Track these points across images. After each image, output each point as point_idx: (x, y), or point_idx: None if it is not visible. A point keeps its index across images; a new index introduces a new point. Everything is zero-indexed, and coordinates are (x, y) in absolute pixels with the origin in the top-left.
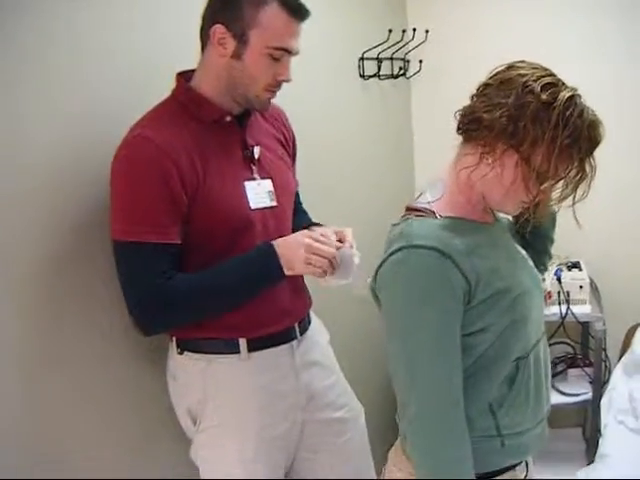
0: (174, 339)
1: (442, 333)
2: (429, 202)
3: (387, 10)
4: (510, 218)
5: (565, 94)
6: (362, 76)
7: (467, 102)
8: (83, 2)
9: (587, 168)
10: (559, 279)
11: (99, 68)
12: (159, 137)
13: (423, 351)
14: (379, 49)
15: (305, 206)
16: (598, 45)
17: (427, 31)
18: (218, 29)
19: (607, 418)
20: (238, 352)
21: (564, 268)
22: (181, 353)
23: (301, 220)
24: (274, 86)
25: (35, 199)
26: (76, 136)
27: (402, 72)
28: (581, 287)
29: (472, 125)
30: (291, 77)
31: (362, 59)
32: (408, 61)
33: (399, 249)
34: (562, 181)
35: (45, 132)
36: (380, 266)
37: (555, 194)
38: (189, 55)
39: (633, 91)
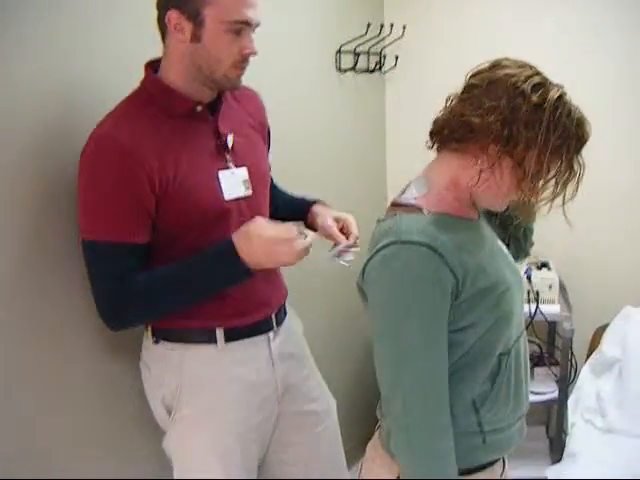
0: (149, 328)
1: (430, 329)
2: (415, 198)
3: (366, 4)
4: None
5: (554, 94)
6: (339, 69)
7: (441, 100)
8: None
9: (575, 166)
10: (529, 278)
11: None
12: (125, 135)
13: (411, 347)
14: (356, 42)
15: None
16: (590, 40)
17: (404, 27)
18: (172, 14)
19: (574, 417)
20: (215, 342)
21: (534, 267)
22: (156, 342)
23: (285, 200)
24: (241, 62)
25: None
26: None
27: (378, 67)
28: (550, 287)
29: (461, 130)
30: (256, 50)
31: (339, 52)
32: (385, 56)
33: (388, 244)
34: (553, 180)
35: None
36: (368, 261)
37: (545, 193)
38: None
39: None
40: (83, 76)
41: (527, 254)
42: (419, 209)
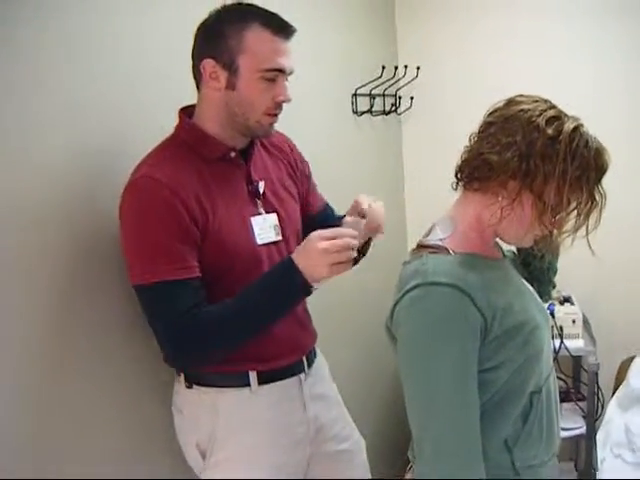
0: (182, 374)
1: (460, 371)
2: (440, 239)
3: (379, 47)
4: (514, 250)
5: (569, 125)
6: (355, 112)
7: (457, 139)
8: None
9: (597, 196)
10: (552, 313)
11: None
12: (165, 176)
13: (441, 389)
14: (372, 85)
15: None
16: (598, 75)
17: (418, 68)
18: (207, 63)
19: (604, 452)
20: (248, 385)
21: (556, 303)
22: (189, 387)
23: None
24: (274, 109)
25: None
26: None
27: (394, 108)
28: (574, 321)
29: (481, 169)
30: (290, 97)
31: (355, 95)
32: (400, 97)
33: (416, 286)
34: (575, 211)
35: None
36: (396, 304)
37: (569, 225)
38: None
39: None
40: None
41: (549, 296)
42: (445, 249)
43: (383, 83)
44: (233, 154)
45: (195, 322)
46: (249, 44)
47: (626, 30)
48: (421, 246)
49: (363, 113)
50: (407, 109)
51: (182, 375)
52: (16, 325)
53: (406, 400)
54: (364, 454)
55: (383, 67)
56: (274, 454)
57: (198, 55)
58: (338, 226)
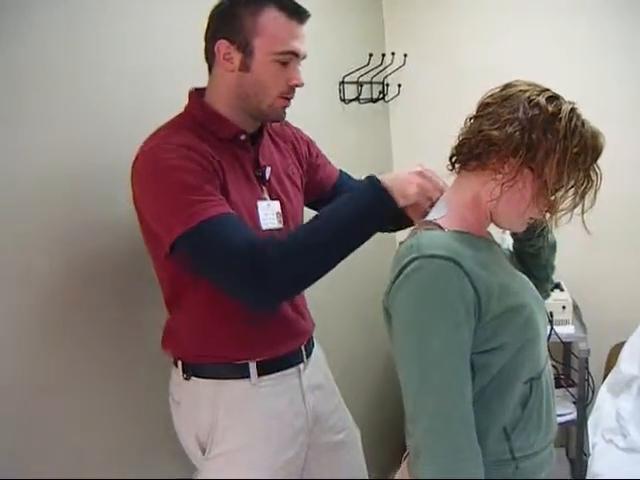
0: (180, 364)
1: (456, 345)
2: (435, 219)
3: (366, 35)
4: (510, 248)
5: (567, 106)
6: (342, 100)
7: (445, 125)
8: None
9: (593, 176)
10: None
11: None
12: (180, 141)
13: (436, 362)
14: (359, 73)
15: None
16: (587, 64)
17: (405, 55)
18: (221, 44)
19: (595, 438)
20: (248, 376)
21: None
22: (187, 379)
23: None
24: (287, 93)
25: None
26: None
27: (381, 96)
28: (564, 307)
29: (482, 145)
30: (302, 81)
31: (342, 83)
32: (387, 85)
33: (412, 260)
34: (571, 190)
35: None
36: (393, 282)
37: (564, 204)
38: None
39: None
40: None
41: (548, 294)
42: (439, 227)
43: (371, 70)
44: (243, 137)
45: (267, 242)
46: (264, 26)
47: (616, 25)
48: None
49: (351, 101)
50: (395, 96)
51: (180, 366)
52: (13, 320)
53: (400, 375)
54: (359, 444)
55: (370, 55)
56: (273, 445)
57: (212, 36)
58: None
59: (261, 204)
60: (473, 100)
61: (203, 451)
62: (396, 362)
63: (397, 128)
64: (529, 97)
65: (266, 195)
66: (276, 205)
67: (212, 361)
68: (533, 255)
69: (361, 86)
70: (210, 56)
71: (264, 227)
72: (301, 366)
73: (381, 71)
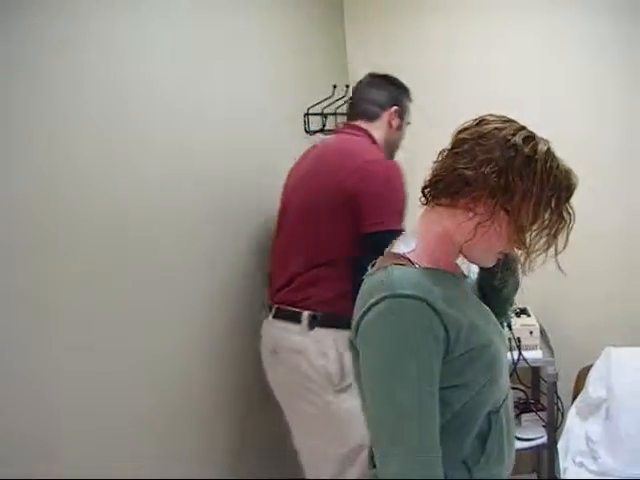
0: (305, 314)
1: (426, 388)
2: (404, 252)
3: (330, 66)
4: (474, 278)
5: (542, 147)
6: (307, 131)
7: (412, 154)
8: None
9: (565, 216)
10: (509, 326)
11: None
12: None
13: (407, 406)
14: (323, 105)
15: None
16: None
17: None
18: (393, 111)
19: (566, 462)
20: None
21: (513, 315)
22: (311, 329)
23: None
24: None
25: None
26: None
27: None
28: (531, 333)
29: (456, 184)
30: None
31: (307, 114)
32: None
33: (383, 298)
34: (545, 230)
35: None
36: (362, 317)
37: (539, 244)
38: None
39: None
40: None
41: (503, 327)
42: (409, 261)
43: (335, 101)
44: None
45: None
46: None
47: (614, 26)
48: (383, 257)
49: (315, 132)
50: None
51: (305, 317)
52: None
53: (368, 419)
54: None
55: (334, 86)
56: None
57: (391, 99)
58: None
59: None
60: (440, 129)
61: (333, 384)
62: (365, 398)
63: None
64: (505, 136)
65: None
66: None
67: (332, 311)
68: (497, 289)
69: (326, 117)
70: (376, 110)
71: None
72: None
73: (345, 102)
